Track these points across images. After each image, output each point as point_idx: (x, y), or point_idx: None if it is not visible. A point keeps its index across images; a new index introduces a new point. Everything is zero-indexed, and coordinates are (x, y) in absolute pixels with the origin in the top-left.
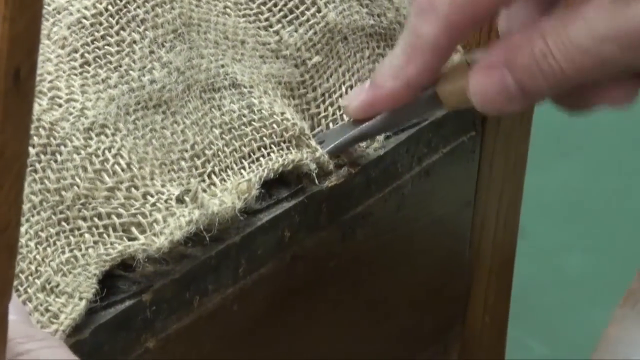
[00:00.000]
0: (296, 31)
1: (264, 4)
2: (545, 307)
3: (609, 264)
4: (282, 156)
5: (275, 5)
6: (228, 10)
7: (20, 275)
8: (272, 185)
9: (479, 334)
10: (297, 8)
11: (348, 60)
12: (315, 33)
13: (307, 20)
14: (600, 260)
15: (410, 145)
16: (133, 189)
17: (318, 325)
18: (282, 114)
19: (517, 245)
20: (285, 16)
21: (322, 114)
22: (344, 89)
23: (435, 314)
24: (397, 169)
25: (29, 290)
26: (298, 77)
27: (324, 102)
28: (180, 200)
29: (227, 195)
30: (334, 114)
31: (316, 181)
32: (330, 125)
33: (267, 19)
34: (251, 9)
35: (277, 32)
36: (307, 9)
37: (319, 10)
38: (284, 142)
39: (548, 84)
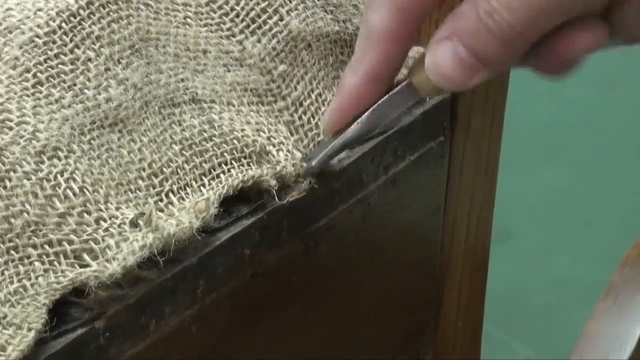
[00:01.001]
0: (259, 41)
1: (226, 14)
2: (531, 309)
3: (594, 266)
4: (242, 172)
5: (237, 15)
6: (189, 21)
7: None
8: (231, 202)
9: (452, 339)
10: (259, 17)
11: (313, 67)
12: (278, 42)
13: (270, 29)
14: (586, 262)
15: (376, 155)
16: (85, 214)
17: (284, 341)
18: (242, 130)
19: (501, 248)
20: (247, 26)
21: (298, 122)
22: (313, 96)
23: (407, 320)
24: (361, 179)
25: None
26: (264, 85)
27: (296, 110)
28: (134, 224)
29: (184, 214)
30: (309, 121)
31: (276, 197)
32: (308, 133)
33: (229, 29)
34: (212, 19)
35: (240, 42)
36: (269, 17)
37: (281, 19)
38: (245, 157)
39: (499, 43)
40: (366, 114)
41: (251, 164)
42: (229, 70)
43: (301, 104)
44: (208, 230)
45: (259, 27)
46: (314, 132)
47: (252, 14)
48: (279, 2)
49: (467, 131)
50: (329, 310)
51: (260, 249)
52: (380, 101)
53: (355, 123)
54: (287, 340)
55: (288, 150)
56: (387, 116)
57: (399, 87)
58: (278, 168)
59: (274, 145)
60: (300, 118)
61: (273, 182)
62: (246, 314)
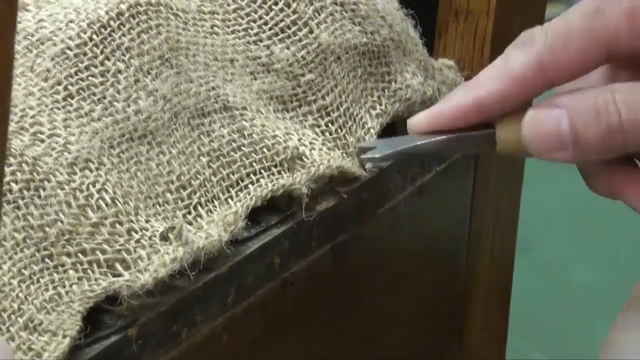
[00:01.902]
0: (288, 48)
1: (254, 20)
2: (549, 319)
3: (613, 276)
4: (272, 181)
5: (265, 23)
6: (216, 29)
7: (3, 313)
8: (261, 211)
9: (477, 350)
10: (289, 28)
11: (343, 80)
12: (308, 52)
13: (300, 40)
14: (605, 272)
15: (403, 166)
16: (117, 225)
17: (312, 350)
18: (274, 137)
19: (521, 259)
20: (276, 34)
21: (323, 127)
22: (341, 110)
23: (433, 332)
24: (389, 190)
25: (11, 329)
26: (290, 91)
27: (322, 117)
28: (164, 237)
29: (213, 227)
30: (337, 131)
31: (303, 207)
32: (337, 141)
33: (257, 34)
34: (240, 25)
35: (267, 47)
36: (299, 29)
37: (310, 32)
38: (275, 166)
39: (601, 133)
40: (447, 136)
41: (282, 172)
42: (255, 79)
43: (328, 114)
44: (238, 240)
45: (288, 37)
46: (342, 141)
47: (282, 24)
48: (309, 15)
49: None
50: (355, 320)
51: (290, 259)
52: (463, 134)
53: (434, 138)
54: (313, 351)
55: (320, 149)
56: (456, 150)
57: (485, 131)
58: (313, 170)
59: (305, 146)
60: (327, 125)
61: (304, 190)
62: (276, 323)
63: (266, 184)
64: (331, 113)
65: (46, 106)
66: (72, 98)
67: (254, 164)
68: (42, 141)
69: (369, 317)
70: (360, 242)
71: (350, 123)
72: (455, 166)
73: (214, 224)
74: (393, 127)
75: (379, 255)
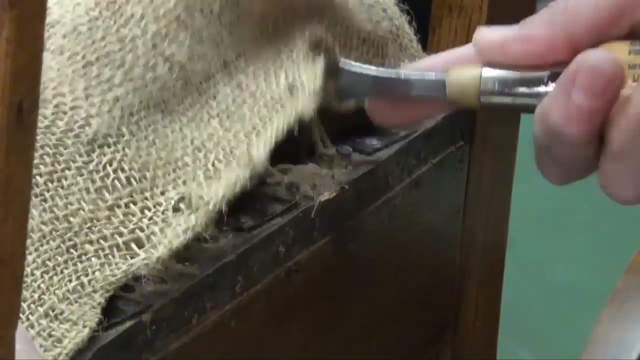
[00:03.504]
0: None
1: None
2: (533, 316)
3: (596, 273)
4: (282, 115)
5: None
6: None
7: (23, 303)
8: (266, 202)
9: (470, 341)
10: None
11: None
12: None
13: None
14: (587, 269)
15: (400, 158)
16: (132, 205)
17: (315, 336)
18: (266, 77)
19: (505, 255)
20: None
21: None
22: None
23: (427, 322)
24: (387, 181)
25: (30, 317)
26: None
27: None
28: (176, 209)
29: (232, 171)
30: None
31: (310, 193)
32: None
33: None
34: None
35: None
36: None
37: None
38: (276, 104)
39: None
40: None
41: (285, 103)
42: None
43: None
44: (245, 228)
45: None
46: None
47: None
48: None
49: (486, 137)
50: (355, 309)
51: (294, 247)
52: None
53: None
54: (316, 335)
55: (316, 72)
56: (404, 91)
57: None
58: (312, 87)
59: (299, 76)
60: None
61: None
62: (281, 309)
63: (277, 121)
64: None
65: (67, 76)
66: (92, 65)
67: (260, 111)
68: (65, 113)
69: (366, 307)
70: (359, 232)
71: None
72: (450, 158)
73: (233, 169)
74: None
75: (377, 246)
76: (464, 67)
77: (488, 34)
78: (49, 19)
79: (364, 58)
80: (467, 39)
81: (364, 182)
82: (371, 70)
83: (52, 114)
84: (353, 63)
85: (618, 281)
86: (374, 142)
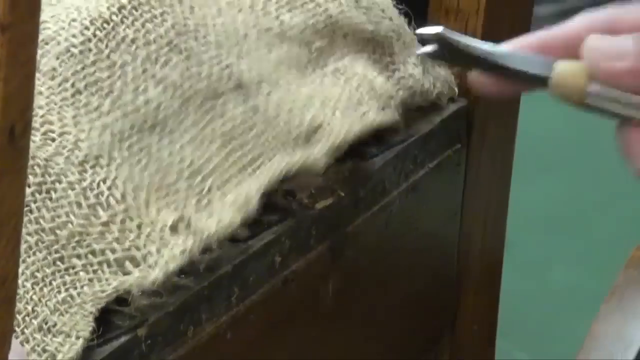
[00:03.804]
0: (297, 17)
1: None
2: (531, 318)
3: (591, 275)
4: (288, 155)
5: None
6: (223, 12)
7: (17, 316)
8: (261, 210)
9: (468, 342)
10: (296, 0)
11: (351, 55)
12: (317, 21)
13: (308, 10)
14: (584, 271)
15: (397, 163)
16: (127, 221)
17: (313, 344)
18: (290, 110)
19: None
20: (282, 6)
21: (337, 91)
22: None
23: (425, 324)
24: (384, 187)
25: (25, 330)
26: (305, 59)
27: (338, 79)
28: (174, 228)
29: (226, 211)
30: (350, 97)
31: (306, 200)
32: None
33: (263, 8)
34: (245, 2)
35: (277, 17)
36: (307, 2)
37: (319, 5)
38: (292, 140)
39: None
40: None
41: (297, 148)
42: (270, 51)
43: (342, 74)
44: (241, 239)
45: (296, 7)
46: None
47: None
48: None
49: (483, 139)
50: (354, 314)
51: (290, 256)
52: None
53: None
54: (314, 345)
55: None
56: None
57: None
58: (332, 140)
59: (326, 113)
60: (341, 88)
61: (323, 161)
62: (278, 319)
63: (280, 161)
64: (345, 72)
65: (55, 104)
66: (81, 94)
67: (268, 141)
68: (53, 140)
69: (364, 311)
70: (357, 238)
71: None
72: (447, 162)
73: (227, 207)
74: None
75: (375, 251)
76: (572, 66)
77: (606, 60)
78: (43, 35)
79: (373, 58)
80: None
81: (361, 188)
82: (475, 49)
83: (40, 140)
84: (456, 33)
85: (617, 277)
86: (370, 147)
